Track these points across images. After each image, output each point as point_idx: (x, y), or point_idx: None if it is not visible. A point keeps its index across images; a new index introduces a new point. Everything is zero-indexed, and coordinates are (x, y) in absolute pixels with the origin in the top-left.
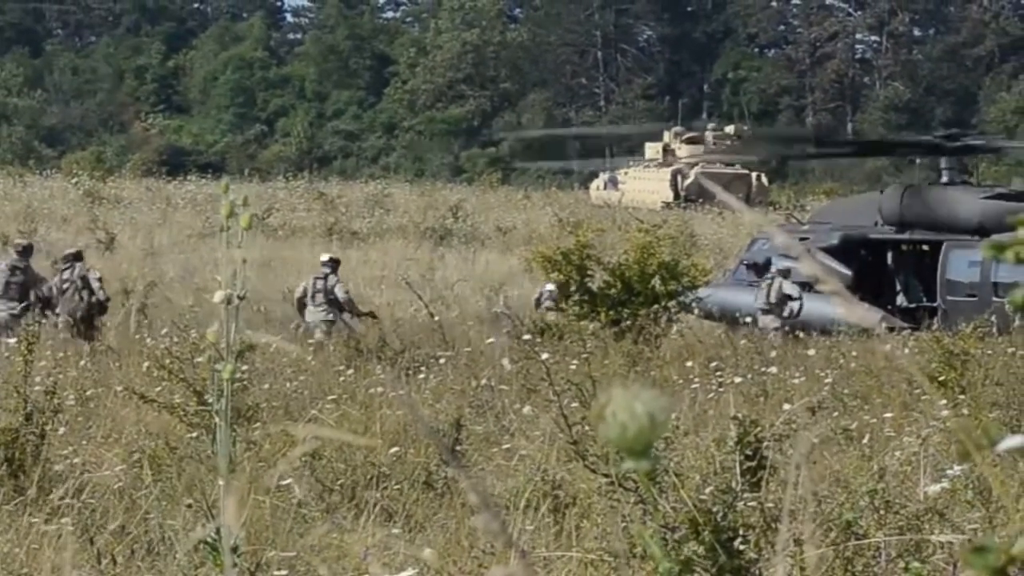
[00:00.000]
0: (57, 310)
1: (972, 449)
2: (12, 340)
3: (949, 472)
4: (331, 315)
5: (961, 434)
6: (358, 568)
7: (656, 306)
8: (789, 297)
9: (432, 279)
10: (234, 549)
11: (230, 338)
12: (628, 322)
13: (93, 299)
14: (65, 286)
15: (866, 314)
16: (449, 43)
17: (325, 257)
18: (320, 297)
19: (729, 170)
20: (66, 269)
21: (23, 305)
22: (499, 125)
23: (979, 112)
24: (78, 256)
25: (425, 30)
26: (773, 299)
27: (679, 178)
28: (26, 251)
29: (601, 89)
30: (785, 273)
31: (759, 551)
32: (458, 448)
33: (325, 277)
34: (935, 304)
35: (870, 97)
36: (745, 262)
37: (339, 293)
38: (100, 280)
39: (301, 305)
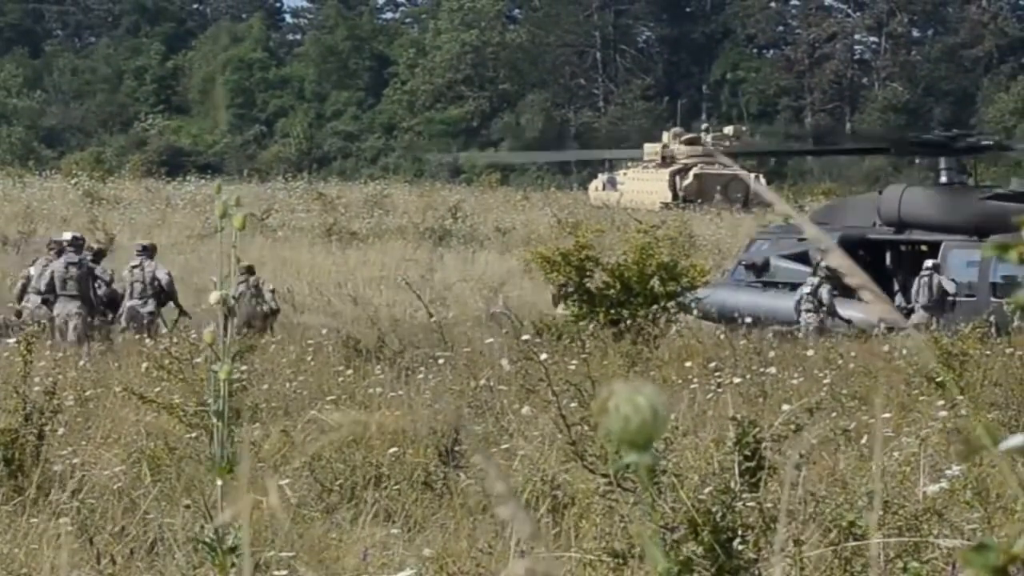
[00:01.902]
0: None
1: (978, 447)
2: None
3: (948, 472)
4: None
5: (965, 433)
6: (357, 568)
7: (655, 307)
8: (947, 293)
9: (431, 280)
10: (232, 549)
11: (227, 338)
12: (627, 322)
13: (265, 307)
14: (240, 296)
15: (891, 312)
16: (448, 44)
17: None
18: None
19: (728, 171)
20: (242, 282)
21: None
22: (498, 126)
23: (977, 113)
24: (251, 269)
25: (424, 31)
26: (936, 295)
27: (677, 179)
28: (147, 250)
29: (600, 90)
30: (939, 268)
31: (758, 551)
32: (457, 448)
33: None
34: None
35: (868, 98)
36: (743, 263)
37: None
38: (273, 292)
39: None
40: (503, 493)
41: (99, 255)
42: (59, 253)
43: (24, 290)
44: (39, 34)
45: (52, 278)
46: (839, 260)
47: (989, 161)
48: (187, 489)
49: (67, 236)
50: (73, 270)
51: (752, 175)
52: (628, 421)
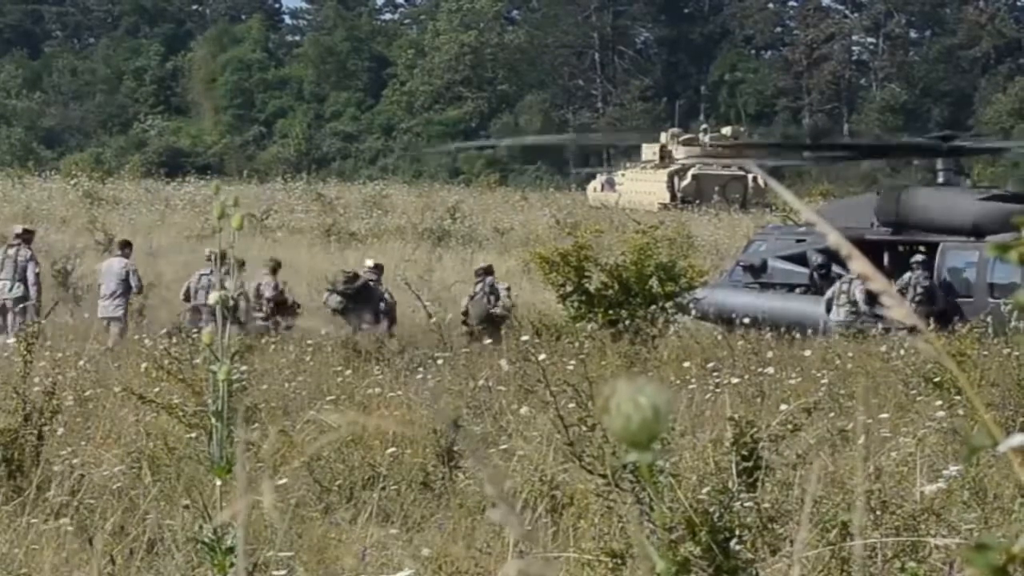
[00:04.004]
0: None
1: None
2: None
3: (945, 472)
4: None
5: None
6: (356, 568)
7: (653, 307)
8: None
9: (430, 280)
10: (231, 549)
11: (226, 339)
12: (625, 323)
13: (499, 304)
14: (476, 295)
15: (911, 316)
16: (447, 45)
17: None
18: None
19: (726, 171)
20: (479, 282)
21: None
22: (497, 127)
23: (975, 114)
24: (489, 271)
25: (423, 32)
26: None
27: (676, 179)
28: (377, 268)
29: (598, 91)
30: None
31: (755, 551)
32: (455, 448)
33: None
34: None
35: (866, 99)
36: (741, 263)
37: None
38: (508, 290)
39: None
40: (495, 495)
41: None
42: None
43: (188, 292)
44: (38, 35)
45: (188, 290)
46: (861, 266)
47: (987, 162)
48: (186, 489)
49: (207, 251)
50: (206, 281)
51: (750, 175)
52: (629, 420)
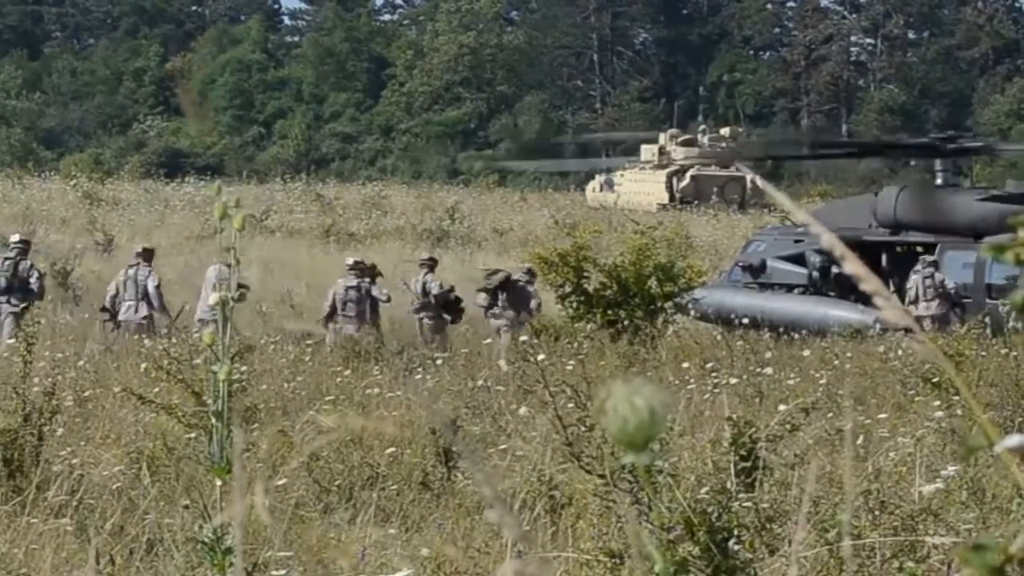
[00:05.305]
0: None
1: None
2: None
3: (944, 472)
4: None
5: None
6: (355, 568)
7: (652, 307)
8: (949, 290)
9: None
10: (230, 549)
11: (226, 339)
12: (624, 323)
13: None
14: None
15: (904, 317)
16: (446, 45)
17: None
18: None
19: (724, 172)
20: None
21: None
22: (496, 127)
23: (973, 114)
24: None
25: (422, 32)
26: (940, 292)
27: (674, 180)
28: (531, 272)
29: (597, 91)
30: (937, 265)
31: (753, 551)
32: (455, 448)
33: None
34: None
35: (865, 99)
36: (740, 264)
37: None
38: None
39: None
40: (491, 496)
41: (374, 274)
42: (368, 276)
43: (334, 303)
44: (38, 36)
45: (334, 300)
46: (854, 267)
47: (985, 163)
48: (186, 489)
49: (349, 260)
50: (352, 293)
51: (748, 176)
52: (626, 422)
